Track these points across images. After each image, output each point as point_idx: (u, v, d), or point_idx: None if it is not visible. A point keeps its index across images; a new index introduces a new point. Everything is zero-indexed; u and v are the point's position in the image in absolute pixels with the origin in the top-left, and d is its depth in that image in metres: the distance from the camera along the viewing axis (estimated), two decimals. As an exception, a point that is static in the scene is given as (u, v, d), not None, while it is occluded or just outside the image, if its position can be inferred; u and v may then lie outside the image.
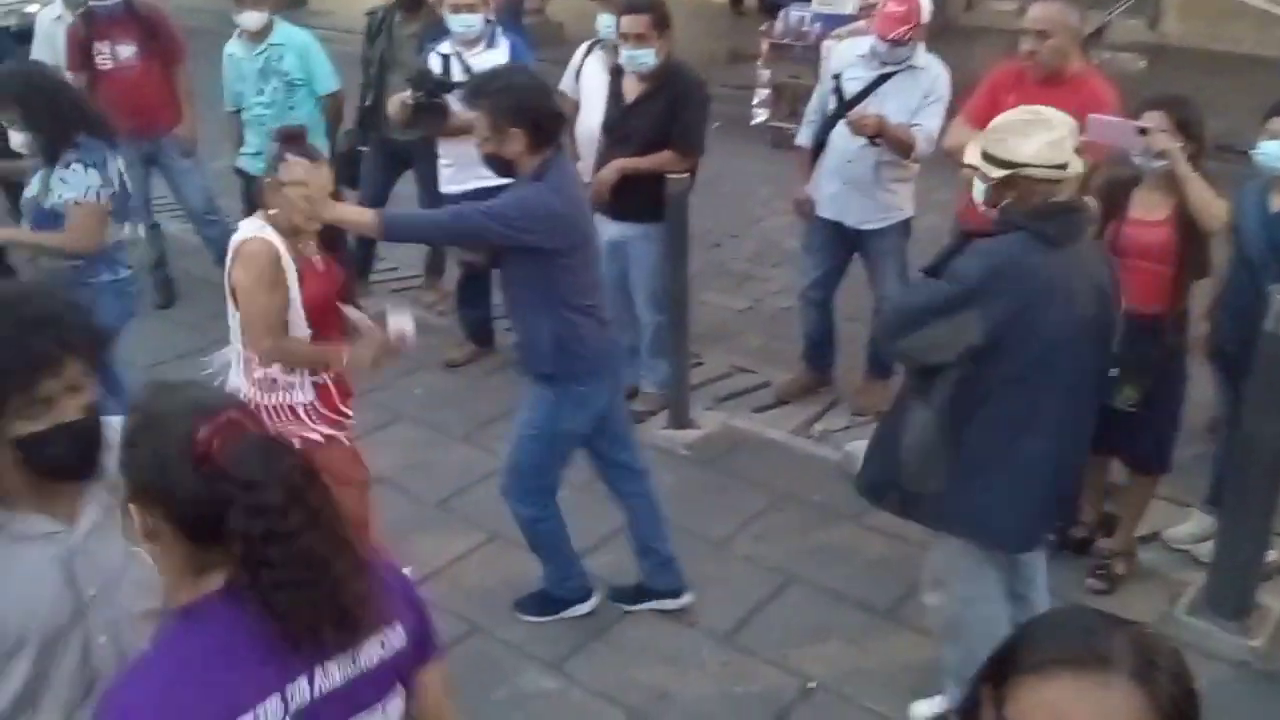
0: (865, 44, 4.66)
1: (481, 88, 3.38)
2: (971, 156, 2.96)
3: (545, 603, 3.76)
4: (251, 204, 5.58)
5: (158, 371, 5.28)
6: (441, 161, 5.15)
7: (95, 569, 1.81)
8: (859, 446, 4.51)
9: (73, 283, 4.02)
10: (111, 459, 1.76)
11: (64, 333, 1.70)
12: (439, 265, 6.17)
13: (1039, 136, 2.81)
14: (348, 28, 11.85)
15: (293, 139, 3.24)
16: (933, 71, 4.56)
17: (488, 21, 5.02)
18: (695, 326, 5.04)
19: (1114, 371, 3.37)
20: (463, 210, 3.41)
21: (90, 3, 5.52)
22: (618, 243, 4.78)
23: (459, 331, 5.60)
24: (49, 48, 5.78)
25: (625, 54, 4.52)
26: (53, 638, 1.79)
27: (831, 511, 4.28)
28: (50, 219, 3.95)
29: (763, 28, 8.92)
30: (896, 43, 4.45)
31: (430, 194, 5.45)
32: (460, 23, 4.91)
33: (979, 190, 2.94)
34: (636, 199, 4.63)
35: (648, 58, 4.47)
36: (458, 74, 4.89)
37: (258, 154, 5.46)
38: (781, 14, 8.76)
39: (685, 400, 4.91)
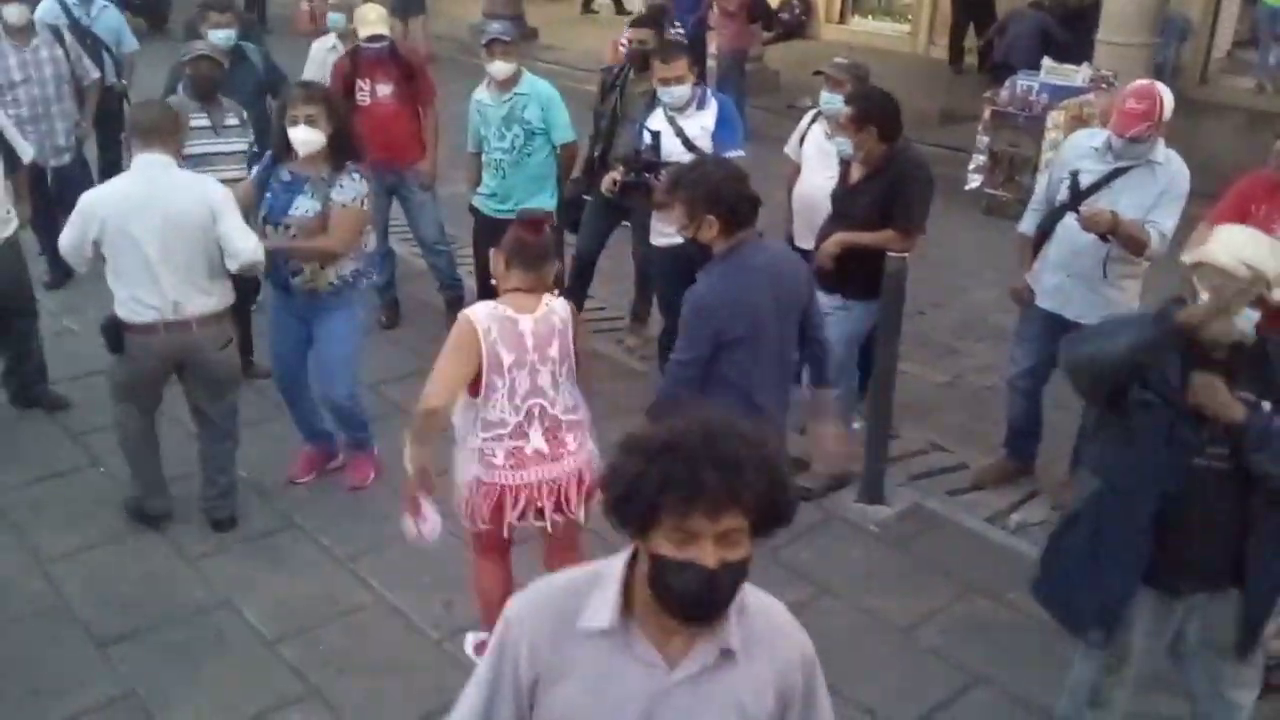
0: (1101, 136, 4.57)
1: (680, 179, 3.61)
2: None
3: None
4: (481, 243, 5.95)
5: (380, 391, 5.65)
6: (655, 216, 5.37)
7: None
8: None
9: (355, 284, 4.57)
10: (735, 625, 1.79)
11: (739, 483, 1.66)
12: (644, 311, 6.36)
13: None
14: (573, 64, 12.40)
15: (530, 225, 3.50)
16: (1172, 167, 4.43)
17: (696, 84, 5.32)
18: (894, 398, 5.03)
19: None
20: (667, 385, 3.67)
21: (360, 43, 5.97)
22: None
23: (659, 380, 5.74)
24: (319, 73, 6.27)
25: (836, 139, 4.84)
26: None
27: (1025, 612, 4.17)
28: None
29: (987, 94, 8.80)
30: (1135, 140, 4.36)
31: (643, 245, 5.67)
32: (670, 95, 5.23)
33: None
34: (846, 273, 4.71)
35: (845, 146, 4.69)
36: (669, 140, 5.25)
37: (493, 195, 5.80)
38: (1009, 81, 8.62)
39: (880, 475, 4.91)
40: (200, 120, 5.10)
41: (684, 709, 1.79)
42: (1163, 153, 4.44)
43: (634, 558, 1.80)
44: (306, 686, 3.78)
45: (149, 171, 4.12)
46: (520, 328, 3.37)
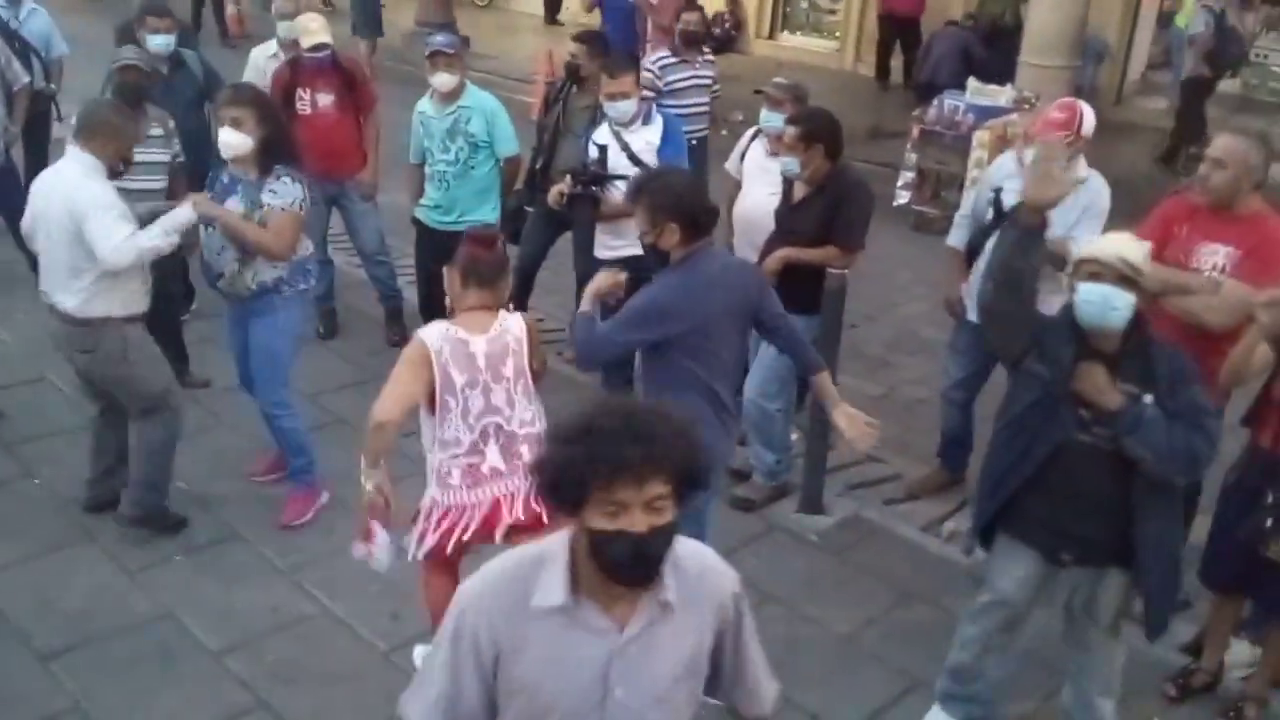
0: (1027, 156, 4.76)
1: (643, 185, 3.70)
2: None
3: None
4: (423, 255, 5.95)
5: (318, 401, 5.62)
6: (600, 228, 5.44)
7: (629, 674, 1.97)
8: (991, 555, 4.60)
9: (277, 290, 4.47)
10: (671, 579, 1.95)
11: (658, 453, 1.81)
12: (585, 322, 6.40)
13: None
14: (504, 73, 12.41)
15: (483, 241, 3.53)
16: (1093, 185, 4.62)
17: (642, 100, 5.41)
18: (830, 411, 5.15)
19: (1269, 521, 3.42)
20: (596, 334, 3.67)
21: (302, 53, 5.92)
22: None
23: (601, 392, 5.81)
24: (260, 81, 6.13)
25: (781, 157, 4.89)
26: (572, 716, 1.99)
27: (960, 617, 4.32)
28: None
29: (915, 113, 9.04)
30: None
31: (585, 257, 5.73)
32: (616, 109, 5.31)
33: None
34: (787, 289, 4.81)
35: (792, 165, 4.76)
36: (615, 154, 5.32)
37: (436, 207, 5.80)
38: (936, 101, 8.87)
39: (819, 485, 5.04)
40: None
41: (636, 663, 1.97)
42: (1085, 170, 4.64)
43: (574, 536, 1.95)
44: (255, 699, 3.76)
45: (61, 164, 4.22)
46: (472, 349, 3.41)
